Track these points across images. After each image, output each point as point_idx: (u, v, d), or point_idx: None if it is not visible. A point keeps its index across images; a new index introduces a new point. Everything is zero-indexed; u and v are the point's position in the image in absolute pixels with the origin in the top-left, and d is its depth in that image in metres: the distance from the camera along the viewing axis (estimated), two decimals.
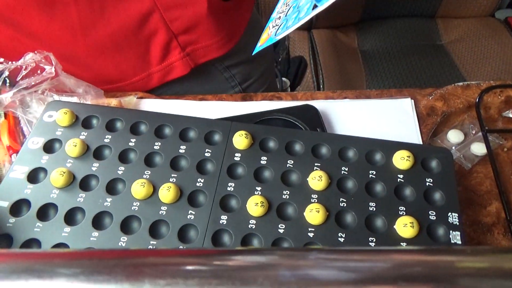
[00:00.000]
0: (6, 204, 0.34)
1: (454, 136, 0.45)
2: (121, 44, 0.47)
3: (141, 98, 0.48)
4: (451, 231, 0.33)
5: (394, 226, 0.33)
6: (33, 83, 0.43)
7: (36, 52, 0.43)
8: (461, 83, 0.48)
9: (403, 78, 1.07)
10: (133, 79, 0.51)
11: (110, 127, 0.39)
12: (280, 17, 0.36)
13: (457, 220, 0.34)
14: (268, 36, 0.36)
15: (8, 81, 0.43)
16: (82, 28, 0.45)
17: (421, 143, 0.43)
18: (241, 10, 0.56)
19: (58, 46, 0.46)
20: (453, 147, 0.44)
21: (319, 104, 0.45)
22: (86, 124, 0.40)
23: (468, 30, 1.19)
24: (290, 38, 1.14)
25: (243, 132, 0.37)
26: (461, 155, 0.44)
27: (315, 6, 0.30)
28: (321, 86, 1.02)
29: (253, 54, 0.37)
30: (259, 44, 0.38)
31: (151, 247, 0.32)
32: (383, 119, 0.44)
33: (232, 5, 0.52)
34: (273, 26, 0.36)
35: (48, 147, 0.38)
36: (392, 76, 1.06)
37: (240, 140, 0.37)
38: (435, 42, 1.20)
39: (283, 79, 1.07)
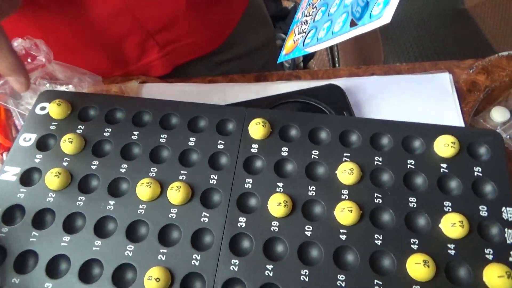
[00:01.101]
0: None
1: (498, 114, 0.39)
2: (91, 43, 0.43)
3: (144, 82, 0.43)
4: (506, 229, 0.28)
5: (440, 225, 0.29)
6: None
7: (25, 38, 0.38)
8: (506, 53, 0.42)
9: (424, 48, 0.99)
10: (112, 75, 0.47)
11: (110, 118, 0.35)
12: (307, 21, 0.31)
13: None
14: (295, 45, 0.31)
15: None
16: (52, 24, 0.40)
17: (463, 124, 0.38)
18: (232, 1, 0.50)
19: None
20: (498, 127, 0.39)
21: (343, 83, 0.40)
22: (83, 116, 0.35)
23: None
24: (298, 5, 1.07)
25: (260, 120, 0.33)
26: (507, 136, 0.38)
27: (353, 23, 0.25)
28: (336, 59, 0.96)
29: (278, 62, 0.32)
30: (284, 52, 0.33)
31: (161, 256, 0.29)
32: (418, 97, 0.39)
33: None
34: (299, 33, 0.31)
35: (42, 144, 0.34)
36: (412, 45, 0.99)
37: (257, 129, 0.33)
38: (457, 7, 1.11)
39: None
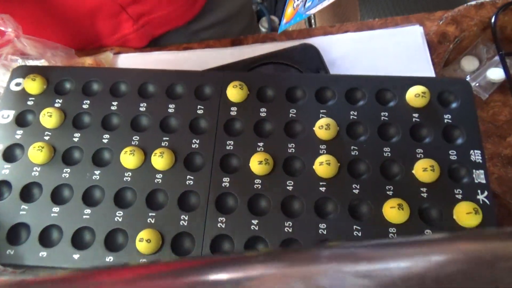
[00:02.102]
0: None
1: (468, 64, 0.41)
2: (61, 17, 0.42)
3: (118, 53, 0.43)
4: (474, 170, 0.30)
5: (413, 171, 0.30)
6: None
7: None
8: (473, 2, 0.43)
9: (399, 3, 0.99)
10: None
11: (87, 90, 0.35)
12: None
13: (480, 158, 0.31)
14: (295, 11, 0.31)
15: None
16: None
17: (434, 75, 0.39)
18: None
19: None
20: (468, 76, 0.40)
21: (317, 42, 0.41)
22: (60, 89, 0.35)
23: None
24: None
25: (237, 83, 0.33)
26: (476, 84, 0.40)
27: None
28: (313, 20, 0.95)
29: (278, 33, 0.32)
30: (284, 20, 0.33)
31: (150, 219, 0.30)
32: (390, 51, 0.40)
33: None
34: None
35: (21, 120, 0.34)
36: (387, 2, 0.98)
37: (235, 91, 0.33)
38: None
39: (272, 17, 0.99)
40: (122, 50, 0.44)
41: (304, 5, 0.32)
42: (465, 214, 0.28)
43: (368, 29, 0.43)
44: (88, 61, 0.39)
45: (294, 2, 0.33)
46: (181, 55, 0.43)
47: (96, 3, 0.42)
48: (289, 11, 0.34)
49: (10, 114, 0.34)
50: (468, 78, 0.40)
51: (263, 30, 1.00)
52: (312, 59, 0.38)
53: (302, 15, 0.32)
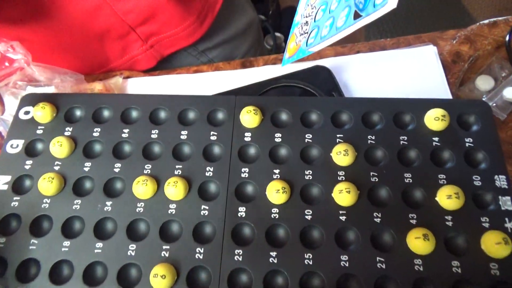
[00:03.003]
0: None
1: (483, 83, 0.40)
2: (71, 42, 0.41)
3: (128, 77, 0.42)
4: (500, 197, 0.29)
5: (436, 198, 0.29)
6: (1, 75, 0.37)
7: (1, 41, 0.36)
8: (486, 21, 0.42)
9: (405, 22, 0.99)
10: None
11: (97, 117, 0.34)
12: (307, 22, 0.31)
13: (506, 183, 0.30)
14: (298, 47, 0.31)
15: None
16: (28, 25, 0.38)
17: (450, 96, 0.38)
18: None
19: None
20: (484, 96, 0.40)
21: (329, 63, 0.40)
22: (70, 117, 0.34)
23: None
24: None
25: (251, 108, 0.32)
26: (493, 104, 0.39)
27: (357, 15, 0.24)
28: None
29: (282, 66, 0.32)
30: (286, 55, 0.33)
31: (164, 252, 0.29)
32: (404, 72, 0.39)
33: None
34: (301, 34, 0.31)
35: (31, 150, 0.33)
36: (392, 20, 0.98)
37: (249, 117, 0.32)
38: None
39: (276, 34, 0.99)
40: (131, 74, 0.43)
41: (307, 42, 0.31)
42: (494, 244, 0.27)
43: (380, 49, 0.42)
44: (97, 86, 0.38)
45: (297, 37, 0.33)
46: (191, 78, 0.42)
47: (106, 25, 0.42)
48: (291, 46, 0.34)
49: (20, 143, 0.33)
50: (484, 98, 0.39)
51: (268, 47, 1.00)
52: (325, 81, 0.38)
53: (305, 52, 0.31)
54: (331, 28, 0.27)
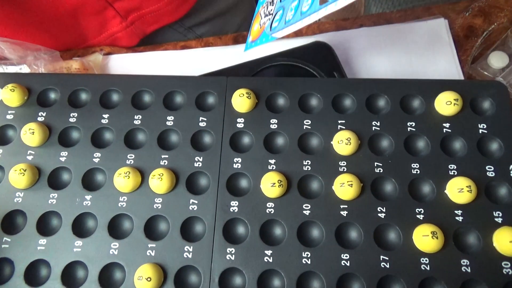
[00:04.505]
0: None
1: (497, 60, 0.37)
2: (43, 17, 0.37)
3: (109, 54, 0.38)
4: None
5: (445, 191, 0.27)
6: None
7: None
8: None
9: None
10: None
11: (74, 101, 0.31)
12: (273, 1, 0.27)
13: None
14: (262, 30, 0.27)
15: None
16: None
17: (461, 75, 0.35)
18: None
19: None
20: (497, 74, 0.37)
21: (330, 38, 0.37)
22: (43, 100, 0.31)
23: None
24: None
25: (244, 91, 0.29)
26: (507, 83, 0.36)
27: (322, 0, 0.21)
28: None
29: (244, 51, 0.28)
30: (250, 38, 0.29)
31: (149, 251, 0.26)
32: (412, 48, 0.36)
33: None
34: (266, 15, 0.27)
35: (0, 138, 0.30)
36: None
37: (241, 101, 0.29)
38: None
39: None
40: (113, 50, 0.39)
41: (271, 25, 0.28)
42: (508, 242, 0.25)
43: (386, 23, 0.38)
44: (74, 64, 0.35)
45: (261, 18, 0.29)
46: (179, 55, 0.38)
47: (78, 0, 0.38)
48: (255, 28, 0.30)
49: None
50: (498, 77, 0.36)
51: None
52: (325, 59, 0.34)
53: (268, 37, 0.28)
54: (295, 12, 0.24)
